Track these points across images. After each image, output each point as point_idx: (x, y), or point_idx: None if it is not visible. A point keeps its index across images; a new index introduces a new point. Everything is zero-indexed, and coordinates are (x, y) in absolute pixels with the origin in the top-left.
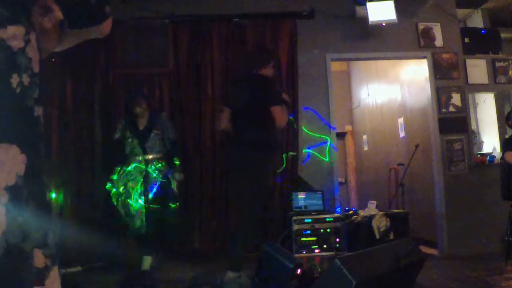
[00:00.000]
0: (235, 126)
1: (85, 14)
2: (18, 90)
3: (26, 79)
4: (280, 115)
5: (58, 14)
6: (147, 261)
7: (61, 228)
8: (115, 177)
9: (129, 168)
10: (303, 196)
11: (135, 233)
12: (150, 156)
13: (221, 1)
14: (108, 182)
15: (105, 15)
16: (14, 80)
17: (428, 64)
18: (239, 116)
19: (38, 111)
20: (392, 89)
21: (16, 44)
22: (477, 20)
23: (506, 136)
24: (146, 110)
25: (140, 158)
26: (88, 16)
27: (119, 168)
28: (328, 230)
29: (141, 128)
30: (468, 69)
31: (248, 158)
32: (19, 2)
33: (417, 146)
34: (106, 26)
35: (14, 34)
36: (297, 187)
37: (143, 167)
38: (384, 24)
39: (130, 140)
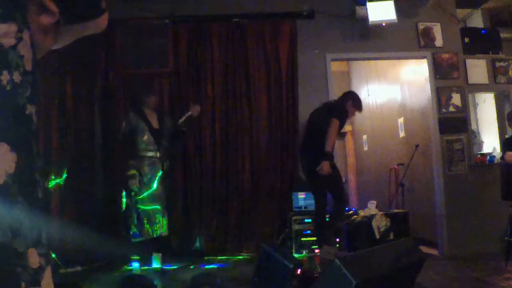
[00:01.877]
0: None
1: (80, 8)
2: (8, 88)
3: (17, 77)
4: (334, 127)
5: (55, 11)
6: (157, 259)
7: (61, 228)
8: (133, 172)
9: (146, 169)
10: (303, 196)
11: (148, 234)
12: (162, 154)
13: (221, 1)
14: (131, 179)
15: (101, 9)
16: (4, 77)
17: (428, 64)
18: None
19: (31, 109)
20: (392, 89)
21: (7, 41)
22: (477, 20)
23: (506, 136)
24: (155, 110)
25: (153, 155)
26: (83, 11)
27: (133, 162)
28: None
29: (154, 125)
30: (468, 69)
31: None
32: None
33: (417, 146)
34: (103, 21)
35: (5, 32)
36: (297, 187)
37: (160, 165)
38: (384, 24)
39: (145, 135)
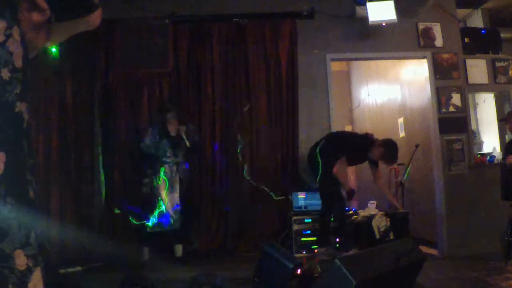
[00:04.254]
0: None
1: (72, 5)
2: None
3: (6, 74)
4: (339, 164)
5: (46, 8)
6: (179, 249)
7: (60, 228)
8: (147, 179)
9: (163, 171)
10: (303, 196)
11: (170, 227)
12: (179, 159)
13: (221, 1)
14: (144, 186)
15: (93, 5)
16: None
17: (428, 64)
18: None
19: (20, 106)
20: (392, 89)
21: None
22: (477, 20)
23: (507, 136)
24: (175, 117)
25: (170, 161)
26: (75, 8)
27: (150, 171)
28: None
29: (172, 134)
30: (468, 69)
31: None
32: None
33: (417, 146)
34: (96, 18)
35: None
36: (297, 187)
37: (175, 168)
38: (384, 24)
39: (163, 144)
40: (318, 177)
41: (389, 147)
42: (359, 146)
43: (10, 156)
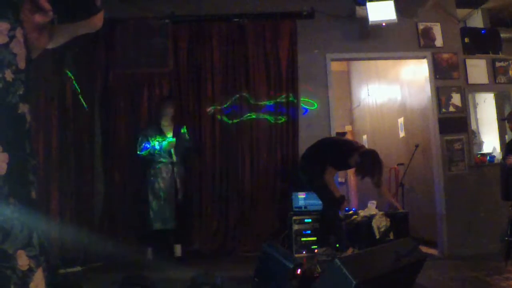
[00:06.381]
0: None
1: (75, 7)
2: (0, 86)
3: (9, 75)
4: (328, 174)
5: (49, 10)
6: (178, 249)
7: (60, 228)
8: (151, 178)
9: (159, 169)
10: (303, 196)
11: (165, 224)
12: (175, 160)
13: (221, 1)
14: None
15: (96, 8)
16: None
17: (428, 64)
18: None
19: (23, 108)
20: (392, 89)
21: None
22: (477, 20)
23: (507, 136)
24: (172, 122)
25: (166, 161)
26: (78, 10)
27: (152, 170)
28: None
29: (169, 137)
30: (468, 69)
31: None
32: None
33: (417, 146)
34: (98, 20)
35: None
36: (297, 187)
37: (171, 168)
38: (384, 24)
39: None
40: (308, 184)
41: (366, 159)
42: (341, 153)
43: (12, 157)
